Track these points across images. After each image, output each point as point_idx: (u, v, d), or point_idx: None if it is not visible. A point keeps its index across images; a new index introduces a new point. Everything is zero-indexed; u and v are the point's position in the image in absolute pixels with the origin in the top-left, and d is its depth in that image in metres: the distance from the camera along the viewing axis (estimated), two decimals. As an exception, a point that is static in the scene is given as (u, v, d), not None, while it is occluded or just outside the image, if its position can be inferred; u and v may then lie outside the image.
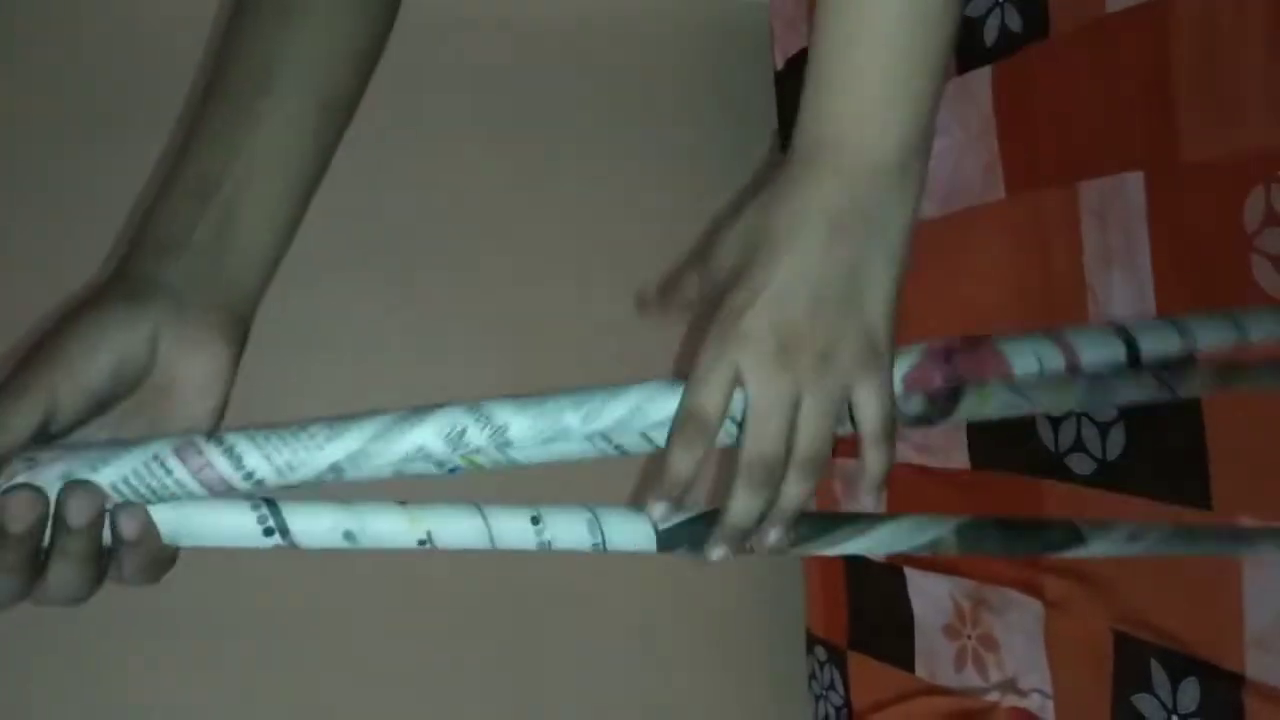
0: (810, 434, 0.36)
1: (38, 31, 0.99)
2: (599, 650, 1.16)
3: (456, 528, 0.35)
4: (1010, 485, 0.86)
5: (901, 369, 0.40)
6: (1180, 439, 0.70)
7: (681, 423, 0.36)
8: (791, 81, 1.16)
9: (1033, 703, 0.85)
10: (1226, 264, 0.66)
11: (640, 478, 0.40)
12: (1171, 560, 0.72)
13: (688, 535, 0.38)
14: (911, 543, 0.43)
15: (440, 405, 0.34)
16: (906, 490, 0.99)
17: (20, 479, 0.29)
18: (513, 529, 0.36)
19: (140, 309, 0.35)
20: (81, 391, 0.33)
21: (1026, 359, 0.43)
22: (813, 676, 1.15)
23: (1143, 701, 0.74)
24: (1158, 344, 0.45)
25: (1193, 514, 0.69)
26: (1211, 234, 0.68)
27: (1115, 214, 0.75)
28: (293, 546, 0.33)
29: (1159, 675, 0.72)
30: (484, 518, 0.35)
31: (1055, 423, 0.81)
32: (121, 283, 0.36)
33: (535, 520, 0.36)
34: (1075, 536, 0.46)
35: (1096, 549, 0.47)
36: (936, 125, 0.38)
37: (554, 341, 1.13)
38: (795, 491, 0.37)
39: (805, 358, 0.35)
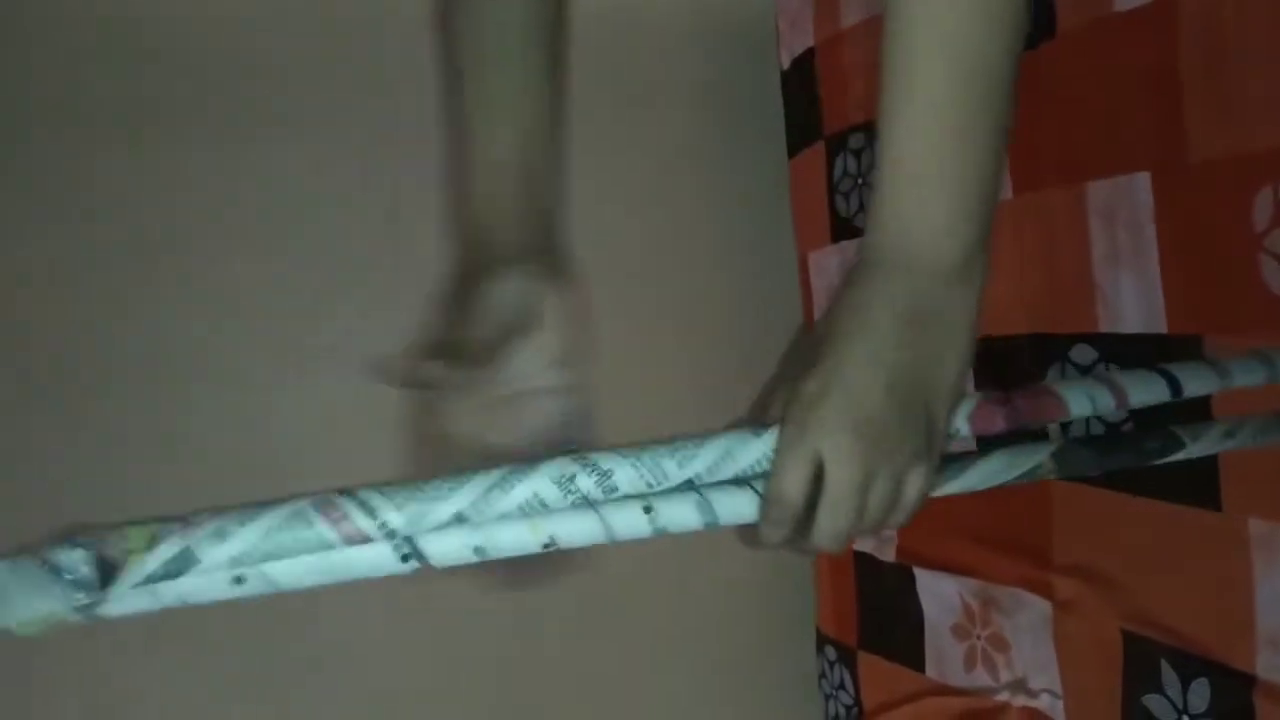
0: (876, 510, 0.38)
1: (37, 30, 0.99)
2: (614, 647, 1.17)
3: (576, 528, 0.37)
4: (1021, 487, 0.86)
5: (964, 411, 0.42)
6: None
7: (768, 508, 0.38)
8: (797, 80, 1.16)
9: (1043, 703, 0.85)
10: (1235, 264, 0.66)
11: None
12: (1182, 560, 0.72)
13: None
14: (1011, 474, 0.44)
15: (547, 458, 0.37)
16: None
17: (175, 538, 0.32)
18: (628, 520, 0.38)
19: (505, 275, 0.46)
20: (493, 323, 0.44)
21: (1080, 400, 0.45)
22: (823, 676, 1.15)
23: (1153, 702, 0.74)
24: (1198, 384, 0.47)
25: (1202, 515, 0.69)
26: (1220, 234, 0.67)
27: (1123, 214, 0.75)
28: (430, 569, 0.36)
29: (1169, 675, 0.72)
30: (599, 515, 0.37)
31: (1064, 423, 0.81)
32: (486, 260, 0.47)
33: (647, 510, 0.38)
34: (1173, 443, 0.47)
35: (1195, 450, 0.48)
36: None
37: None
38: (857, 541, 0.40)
39: (880, 445, 0.37)
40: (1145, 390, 0.46)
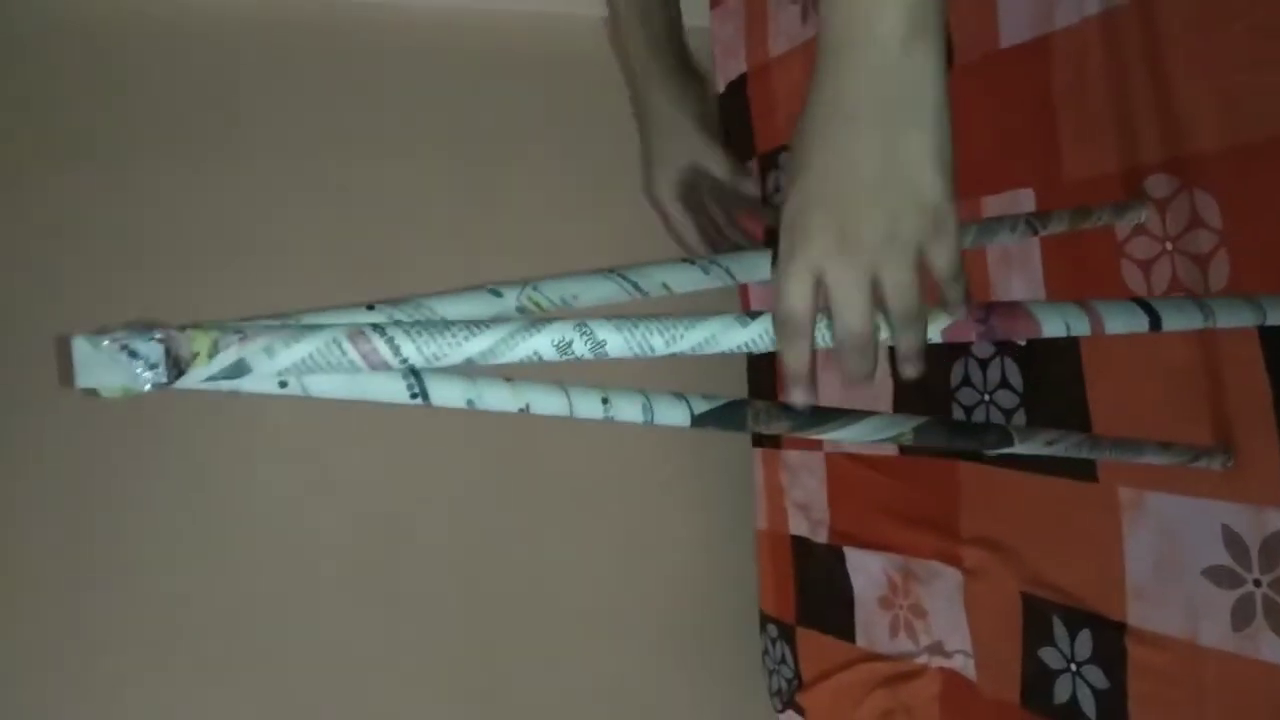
0: (897, 297, 0.38)
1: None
2: (572, 632, 1.24)
3: (547, 401, 0.45)
4: (932, 467, 0.96)
5: (940, 324, 0.44)
6: (1071, 421, 0.80)
7: (780, 327, 0.39)
8: (731, 103, 1.25)
9: (957, 663, 0.94)
10: (1101, 267, 0.77)
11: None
12: (1066, 527, 0.82)
13: (716, 418, 0.49)
14: (881, 434, 0.51)
15: (554, 320, 0.42)
16: (844, 475, 1.08)
17: (232, 349, 0.37)
18: (588, 405, 0.46)
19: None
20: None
21: (1054, 322, 0.47)
22: (765, 653, 1.24)
23: (1047, 654, 0.83)
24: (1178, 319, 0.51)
25: (1082, 487, 0.79)
26: (1090, 242, 0.78)
27: (1011, 225, 0.85)
28: (428, 405, 0.43)
29: (1059, 629, 0.82)
30: (568, 396, 0.46)
31: (968, 411, 0.91)
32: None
33: (605, 401, 0.47)
34: (1006, 438, 0.55)
35: (1022, 449, 0.55)
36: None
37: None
38: (909, 339, 0.40)
39: (870, 240, 0.37)
40: (1123, 320, 0.49)
